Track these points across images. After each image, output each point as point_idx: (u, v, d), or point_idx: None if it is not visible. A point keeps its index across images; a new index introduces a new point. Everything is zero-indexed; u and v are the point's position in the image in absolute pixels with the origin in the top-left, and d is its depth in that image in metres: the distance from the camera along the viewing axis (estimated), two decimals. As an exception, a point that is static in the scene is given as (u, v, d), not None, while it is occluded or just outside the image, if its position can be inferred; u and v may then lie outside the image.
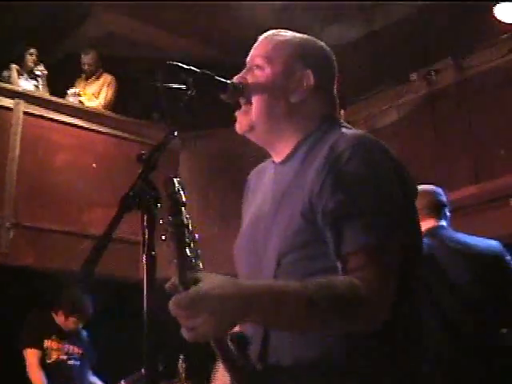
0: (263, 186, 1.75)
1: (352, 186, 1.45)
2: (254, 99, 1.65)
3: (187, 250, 1.36)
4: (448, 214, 3.04)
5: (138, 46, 7.07)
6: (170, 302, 1.29)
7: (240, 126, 1.69)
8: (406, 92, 5.75)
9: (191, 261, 1.36)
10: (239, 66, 1.74)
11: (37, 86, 6.14)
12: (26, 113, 5.79)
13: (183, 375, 5.98)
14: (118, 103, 6.70)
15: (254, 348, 1.47)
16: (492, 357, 2.74)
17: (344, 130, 1.61)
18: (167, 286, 1.35)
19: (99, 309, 5.39)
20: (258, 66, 1.67)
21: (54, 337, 4.96)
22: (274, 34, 1.74)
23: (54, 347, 4.93)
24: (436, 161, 5.74)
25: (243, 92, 1.65)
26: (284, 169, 1.67)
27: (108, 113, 6.53)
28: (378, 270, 1.38)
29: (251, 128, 1.67)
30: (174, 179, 1.44)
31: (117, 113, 6.59)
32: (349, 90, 6.12)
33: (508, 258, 2.87)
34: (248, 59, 1.73)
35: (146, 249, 1.38)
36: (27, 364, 4.85)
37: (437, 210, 3.00)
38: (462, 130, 5.63)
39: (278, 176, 1.68)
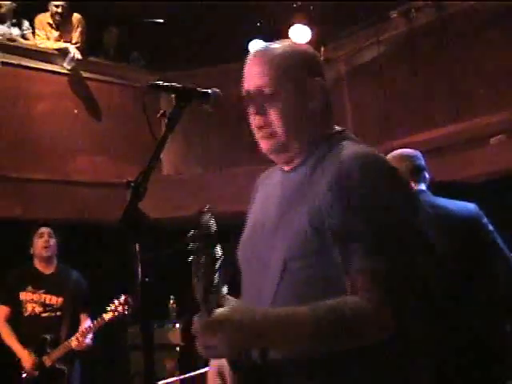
0: (269, 191, 1.77)
1: (362, 209, 1.49)
2: (280, 123, 1.63)
3: (215, 277, 1.43)
4: (427, 176, 3.11)
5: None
6: (194, 321, 1.43)
7: (269, 148, 1.67)
8: (385, 29, 5.65)
9: (216, 287, 1.43)
10: None
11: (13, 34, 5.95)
12: (2, 63, 5.65)
13: (174, 314, 6.24)
14: (91, 45, 6.51)
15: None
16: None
17: (351, 144, 1.63)
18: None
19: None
20: (269, 95, 1.63)
21: (29, 287, 4.64)
22: (265, 51, 1.68)
23: (29, 299, 4.63)
24: (416, 98, 5.71)
25: (265, 117, 1.63)
26: (292, 176, 1.69)
27: (89, 58, 6.37)
28: (384, 294, 1.44)
29: (284, 149, 1.66)
30: (204, 212, 1.49)
31: (93, 55, 6.47)
32: (329, 28, 6.02)
33: (484, 220, 2.94)
34: (248, 86, 1.67)
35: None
36: None
37: (416, 173, 3.07)
38: (442, 68, 5.57)
39: (285, 182, 1.71)
